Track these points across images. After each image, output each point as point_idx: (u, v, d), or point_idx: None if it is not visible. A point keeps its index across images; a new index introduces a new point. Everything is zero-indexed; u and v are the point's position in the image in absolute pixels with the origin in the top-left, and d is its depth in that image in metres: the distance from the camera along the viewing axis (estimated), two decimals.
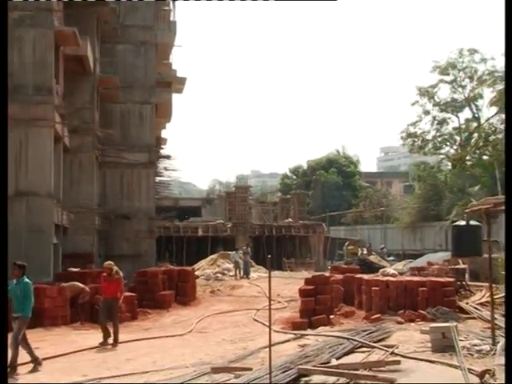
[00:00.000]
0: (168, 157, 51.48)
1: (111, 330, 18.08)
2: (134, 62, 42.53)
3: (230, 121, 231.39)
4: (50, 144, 29.02)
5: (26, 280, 14.34)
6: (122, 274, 19.27)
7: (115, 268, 18.82)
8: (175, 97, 50.17)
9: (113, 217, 40.41)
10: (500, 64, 41.29)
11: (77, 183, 34.95)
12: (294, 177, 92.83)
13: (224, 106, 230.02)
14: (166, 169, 52.89)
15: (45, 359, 15.18)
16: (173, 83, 48.60)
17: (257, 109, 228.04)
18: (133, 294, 25.26)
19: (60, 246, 30.84)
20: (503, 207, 17.51)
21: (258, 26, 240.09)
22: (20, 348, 14.05)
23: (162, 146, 51.12)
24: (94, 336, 19.13)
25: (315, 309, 21.46)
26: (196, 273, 34.18)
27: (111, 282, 18.49)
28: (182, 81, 50.77)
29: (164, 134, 54.21)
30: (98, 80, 37.31)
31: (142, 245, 40.96)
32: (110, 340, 17.91)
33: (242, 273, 40.78)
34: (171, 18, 47.83)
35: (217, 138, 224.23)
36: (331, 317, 21.11)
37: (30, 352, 14.34)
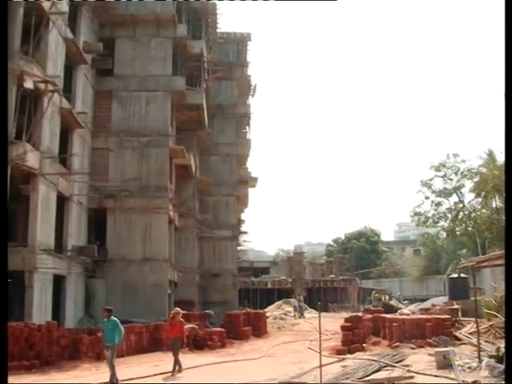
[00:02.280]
0: (245, 232, 52.01)
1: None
2: (221, 167, 43.52)
3: (289, 202, 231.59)
4: (166, 225, 29.70)
5: (114, 318, 14.14)
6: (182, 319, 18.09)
7: (180, 313, 17.96)
8: (251, 190, 50.95)
9: (208, 275, 40.86)
10: (475, 163, 42.28)
11: (183, 252, 35.39)
12: (335, 245, 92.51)
13: (284, 191, 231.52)
14: (244, 241, 53.34)
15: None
16: (248, 181, 49.41)
17: (302, 191, 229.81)
18: (222, 330, 25.37)
19: (172, 295, 31.21)
20: (484, 264, 17.55)
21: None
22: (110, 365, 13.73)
23: (242, 225, 51.54)
24: (198, 359, 19.40)
25: (352, 339, 21.28)
26: (266, 314, 34.07)
27: (175, 324, 17.53)
28: (255, 179, 51.53)
29: (243, 216, 54.72)
30: (197, 181, 38.08)
31: (228, 294, 41.12)
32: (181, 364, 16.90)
33: (299, 314, 40.56)
34: (247, 137, 48.98)
35: (280, 215, 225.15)
36: (364, 345, 20.99)
37: (113, 373, 13.77)
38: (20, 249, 20.43)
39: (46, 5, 21.39)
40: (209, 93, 39.60)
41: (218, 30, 40.30)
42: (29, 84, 20.05)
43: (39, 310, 20.73)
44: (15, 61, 19.99)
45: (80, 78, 27.56)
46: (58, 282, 23.76)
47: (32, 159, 20.73)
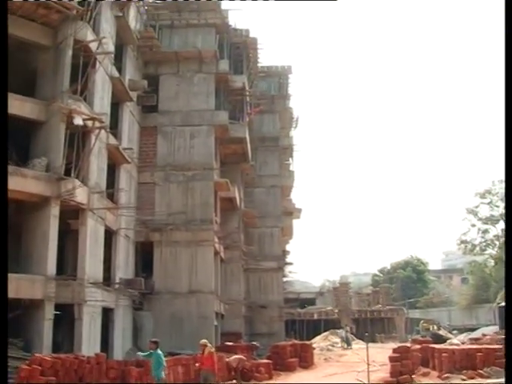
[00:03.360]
0: (291, 263, 51.73)
1: None
2: (266, 199, 43.62)
3: (334, 232, 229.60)
4: (212, 257, 29.74)
5: (159, 352, 14.14)
6: (213, 349, 17.52)
7: (209, 345, 17.14)
8: (295, 221, 50.83)
9: (254, 306, 40.71)
10: None
11: (229, 283, 35.42)
12: (381, 274, 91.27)
13: (329, 221, 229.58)
14: (289, 272, 53.08)
15: None
16: (293, 213, 49.33)
17: (344, 223, 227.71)
18: (269, 361, 25.17)
19: (219, 327, 31.16)
20: None
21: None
22: None
23: (287, 256, 51.31)
24: None
25: (401, 370, 20.83)
26: (313, 345, 33.65)
27: (205, 356, 16.72)
28: (299, 211, 51.43)
29: (288, 247, 54.49)
30: (242, 213, 38.17)
31: (274, 326, 40.87)
32: None
33: (346, 345, 39.93)
34: (291, 168, 49.09)
35: (325, 245, 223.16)
36: (413, 376, 20.51)
37: None
38: (69, 282, 20.70)
39: (93, 45, 22.01)
40: (252, 126, 39.95)
41: (259, 64, 40.80)
42: (77, 121, 20.56)
43: (88, 342, 20.89)
44: (64, 100, 20.58)
45: (126, 115, 28.15)
46: (107, 315, 23.98)
47: (81, 194, 21.10)
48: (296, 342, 33.58)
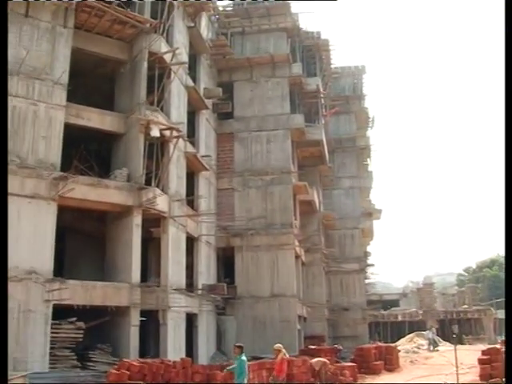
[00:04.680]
0: (372, 265, 50.83)
1: None
2: (345, 201, 43.14)
3: (416, 232, 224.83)
4: (293, 260, 29.49)
5: (243, 358, 13.85)
6: (287, 355, 17.24)
7: (283, 350, 16.69)
8: (375, 222, 50.01)
9: (337, 309, 40.26)
10: None
11: (311, 286, 35.15)
12: (466, 274, 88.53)
13: (410, 221, 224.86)
14: (371, 273, 52.22)
15: None
16: (373, 213, 48.54)
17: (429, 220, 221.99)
18: (353, 364, 24.73)
19: (302, 330, 30.94)
20: None
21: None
22: None
23: (368, 258, 50.49)
24: None
25: (491, 373, 20.01)
26: (398, 348, 32.87)
27: (277, 361, 16.51)
28: (379, 211, 50.54)
29: (369, 248, 53.59)
30: (321, 215, 37.84)
31: (358, 328, 40.25)
32: None
33: (432, 347, 38.82)
34: (369, 169, 48.38)
35: (407, 246, 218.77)
36: (503, 379, 19.62)
37: None
38: (154, 289, 21.05)
39: (167, 57, 22.32)
40: (328, 128, 39.61)
41: (332, 65, 40.40)
42: (155, 132, 20.91)
43: (173, 347, 21.17)
44: (142, 111, 20.94)
45: (202, 123, 28.44)
46: (190, 320, 24.24)
47: (161, 203, 21.42)
48: (380, 344, 32.90)
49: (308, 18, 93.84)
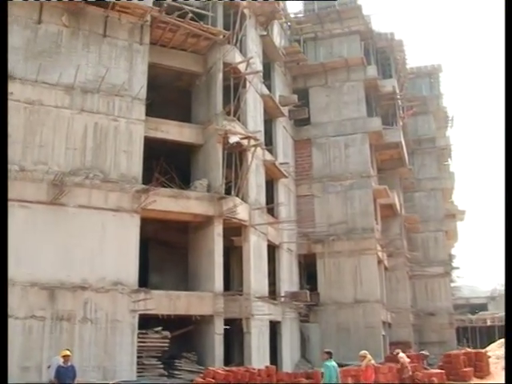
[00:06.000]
0: (457, 268, 49.27)
1: None
2: (427, 203, 42.05)
3: (502, 233, 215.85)
4: (375, 265, 28.88)
5: (333, 363, 13.43)
6: (373, 361, 16.52)
7: (368, 357, 16.00)
8: (459, 224, 48.53)
9: (422, 314, 39.23)
10: None
11: (395, 291, 34.35)
12: None
13: (496, 221, 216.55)
14: (457, 277, 50.67)
15: None
16: (456, 215, 47.11)
17: None
18: (441, 371, 23.87)
19: (387, 336, 30.26)
20: None
21: None
22: None
23: (453, 260, 48.99)
24: None
25: None
26: (488, 353, 31.56)
27: (363, 368, 15.94)
28: (463, 213, 49.00)
29: (453, 251, 52.00)
30: (403, 218, 36.98)
31: (444, 334, 39.04)
32: None
33: None
34: (450, 170, 47.04)
35: (494, 247, 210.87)
36: None
37: None
38: (237, 297, 21.05)
39: (241, 66, 22.40)
40: (406, 129, 38.77)
41: (408, 66, 39.55)
42: (233, 140, 20.99)
43: (258, 355, 21.07)
44: (219, 122, 21.08)
45: (279, 130, 28.37)
46: (274, 328, 24.11)
47: (242, 212, 21.44)
48: (469, 350, 31.68)
49: (380, 19, 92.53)
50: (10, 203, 15.92)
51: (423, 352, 27.96)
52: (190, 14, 20.68)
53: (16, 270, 15.91)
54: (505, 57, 9.82)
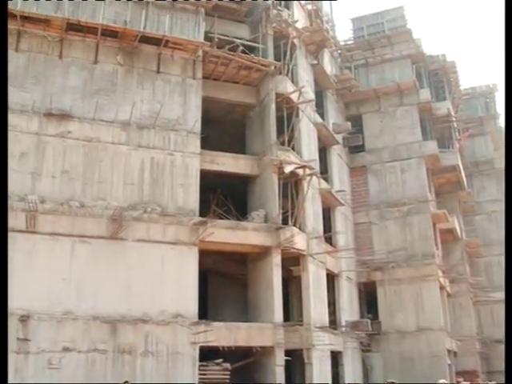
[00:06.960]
0: None
1: None
2: (488, 226, 40.68)
3: None
4: (437, 292, 28.11)
5: None
6: None
7: None
8: None
9: (489, 341, 37.78)
10: None
11: (459, 318, 33.28)
12: None
13: None
14: None
15: None
16: None
17: None
18: None
19: (452, 365, 29.26)
20: None
21: None
22: None
23: None
24: None
25: None
26: None
27: None
28: None
29: None
30: (464, 243, 36.00)
31: None
32: None
33: None
34: None
35: None
36: None
37: None
38: (297, 328, 20.73)
39: (293, 96, 22.42)
40: (463, 151, 37.97)
41: (462, 87, 38.87)
42: (288, 170, 20.94)
43: None
44: (274, 152, 21.08)
45: (334, 158, 28.20)
46: (335, 358, 23.64)
47: (300, 241, 21.25)
48: None
49: (431, 42, 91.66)
50: (71, 239, 16.62)
51: (491, 382, 26.96)
52: (241, 47, 20.95)
53: (78, 304, 16.23)
54: (505, 57, 9.66)
